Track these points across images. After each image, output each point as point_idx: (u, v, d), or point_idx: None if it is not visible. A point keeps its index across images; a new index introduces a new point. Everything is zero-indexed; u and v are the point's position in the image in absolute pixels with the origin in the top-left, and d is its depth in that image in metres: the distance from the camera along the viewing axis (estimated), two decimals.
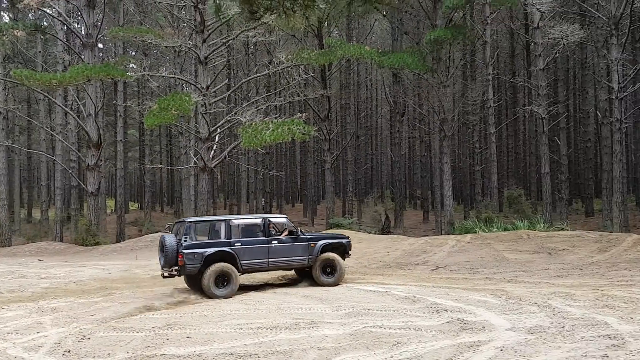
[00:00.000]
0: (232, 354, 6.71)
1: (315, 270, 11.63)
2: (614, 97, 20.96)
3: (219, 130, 25.68)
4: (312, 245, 11.71)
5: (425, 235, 23.24)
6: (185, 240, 10.69)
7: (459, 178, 37.27)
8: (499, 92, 33.75)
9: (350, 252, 12.38)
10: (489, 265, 14.08)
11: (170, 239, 10.79)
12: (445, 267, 14.41)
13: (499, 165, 31.10)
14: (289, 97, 28.94)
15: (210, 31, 24.66)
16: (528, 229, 18.43)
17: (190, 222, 11.09)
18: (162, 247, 10.84)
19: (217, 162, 25.52)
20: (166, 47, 26.79)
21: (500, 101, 33.20)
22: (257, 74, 27.47)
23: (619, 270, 12.09)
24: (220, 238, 11.10)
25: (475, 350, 6.55)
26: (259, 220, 11.62)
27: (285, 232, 11.73)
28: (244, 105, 26.15)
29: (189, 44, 24.20)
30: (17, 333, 8.21)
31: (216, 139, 25.92)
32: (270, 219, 11.79)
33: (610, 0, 21.20)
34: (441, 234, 23.48)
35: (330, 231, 21.70)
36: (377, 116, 47.93)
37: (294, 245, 11.58)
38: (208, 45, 24.41)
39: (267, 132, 19.80)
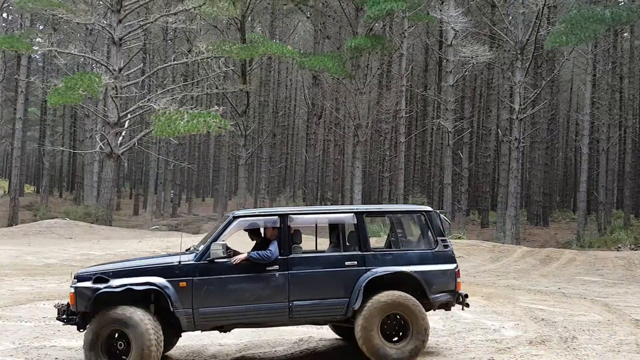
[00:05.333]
0: None
1: None
2: (514, 117, 22.60)
3: (129, 115, 24.58)
4: None
5: None
6: None
7: (369, 183, 38.38)
8: (411, 104, 35.08)
9: None
10: None
11: None
12: None
13: (406, 173, 32.39)
14: (207, 88, 28.31)
15: (127, 12, 23.52)
16: None
17: None
18: None
19: (125, 149, 24.39)
20: (77, 23, 25.17)
21: (411, 112, 34.57)
22: (175, 62, 26.61)
23: (507, 279, 13.01)
24: None
25: None
26: None
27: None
28: (158, 93, 25.23)
29: (103, 22, 22.95)
30: None
31: (126, 125, 24.79)
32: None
33: (518, 27, 22.85)
34: None
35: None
36: (294, 116, 48.15)
37: None
38: (124, 26, 23.30)
39: (182, 122, 19.28)
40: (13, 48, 21.21)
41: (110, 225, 23.60)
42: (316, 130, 32.41)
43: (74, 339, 6.63)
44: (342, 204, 36.08)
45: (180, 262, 5.35)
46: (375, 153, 37.20)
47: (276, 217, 5.61)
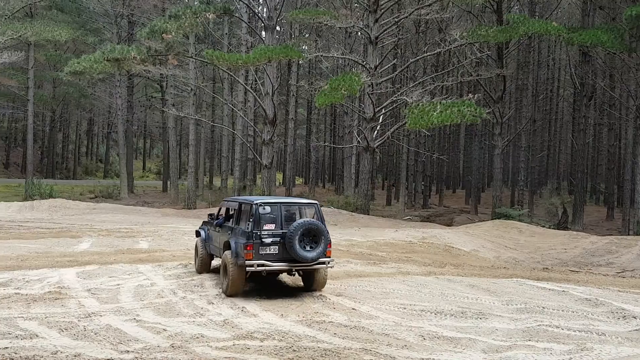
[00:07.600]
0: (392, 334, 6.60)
1: None
2: None
3: (383, 110, 25.59)
4: None
5: (609, 235, 20.71)
6: None
7: None
8: None
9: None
10: None
11: None
12: (633, 270, 12.64)
13: None
14: (459, 77, 27.67)
15: (382, 11, 24.49)
16: None
17: None
18: None
19: (379, 142, 25.51)
20: (339, 28, 27.27)
21: None
22: (427, 53, 26.68)
23: None
24: None
25: None
26: None
27: None
28: (410, 86, 25.68)
29: (361, 24, 24.34)
30: (201, 287, 9.08)
31: (380, 120, 25.89)
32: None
33: None
34: (629, 234, 20.73)
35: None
36: (558, 99, 43.60)
37: None
38: (380, 25, 24.32)
39: (435, 113, 19.14)
40: (288, 56, 23.94)
41: (368, 214, 24.99)
42: (586, 114, 28.71)
43: (348, 317, 7.14)
44: (618, 198, 31.39)
45: (213, 222, 9.96)
46: None
47: (224, 202, 10.38)
